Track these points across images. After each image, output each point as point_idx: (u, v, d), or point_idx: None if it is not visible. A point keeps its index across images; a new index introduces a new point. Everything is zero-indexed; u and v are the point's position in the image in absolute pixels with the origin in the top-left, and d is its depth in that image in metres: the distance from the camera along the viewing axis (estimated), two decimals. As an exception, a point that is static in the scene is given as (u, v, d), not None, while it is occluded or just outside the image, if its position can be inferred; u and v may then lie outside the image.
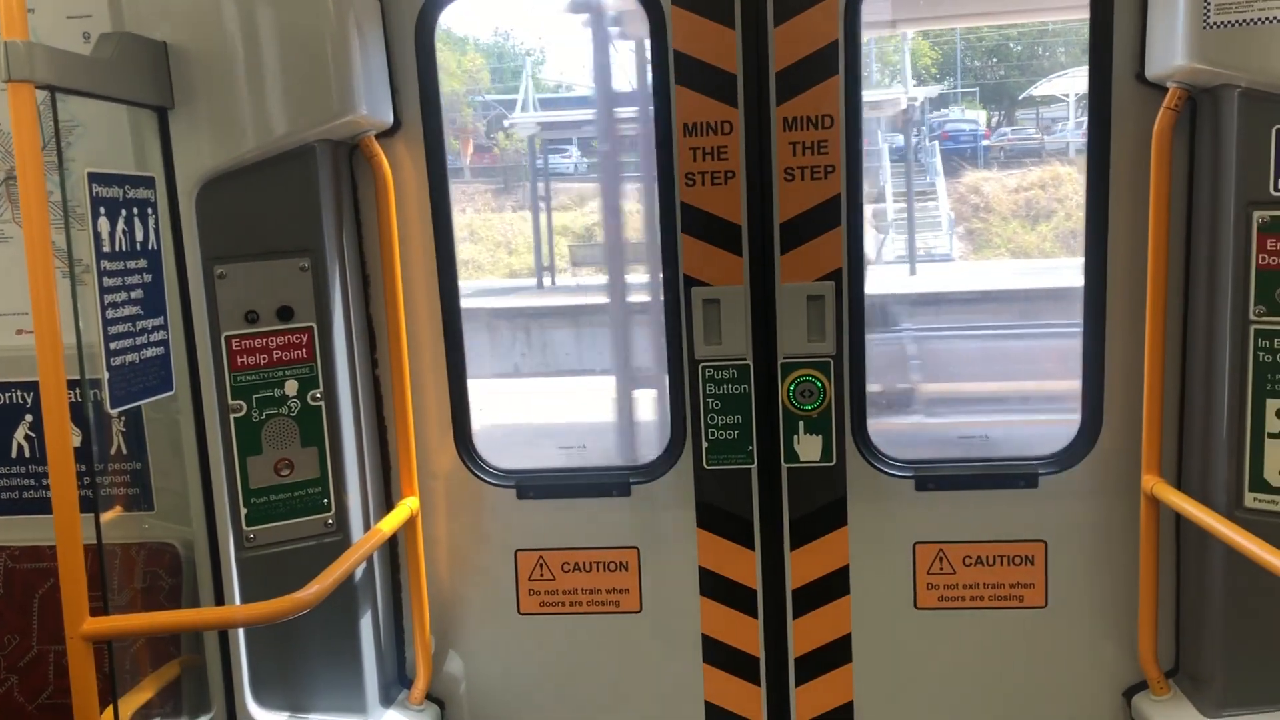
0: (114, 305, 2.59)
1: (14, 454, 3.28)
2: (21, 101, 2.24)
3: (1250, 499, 2.93)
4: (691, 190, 3.21)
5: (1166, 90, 2.96)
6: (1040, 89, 11.06)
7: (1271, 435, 2.87)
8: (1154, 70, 3.00)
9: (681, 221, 3.24)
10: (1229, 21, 2.71)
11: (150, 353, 2.75)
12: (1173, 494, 3.04)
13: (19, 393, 3.25)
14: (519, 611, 3.55)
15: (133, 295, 2.68)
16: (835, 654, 3.46)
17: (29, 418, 3.26)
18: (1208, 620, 3.11)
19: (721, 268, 3.24)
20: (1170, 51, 2.85)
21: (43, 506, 3.28)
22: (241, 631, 3.07)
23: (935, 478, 3.35)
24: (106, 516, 3.24)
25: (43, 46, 2.29)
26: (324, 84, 2.86)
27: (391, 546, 3.49)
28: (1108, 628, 3.37)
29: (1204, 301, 3.02)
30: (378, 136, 3.21)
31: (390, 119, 3.23)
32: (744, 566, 3.43)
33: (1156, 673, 3.23)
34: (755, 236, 3.23)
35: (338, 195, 3.15)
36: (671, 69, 3.16)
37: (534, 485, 3.49)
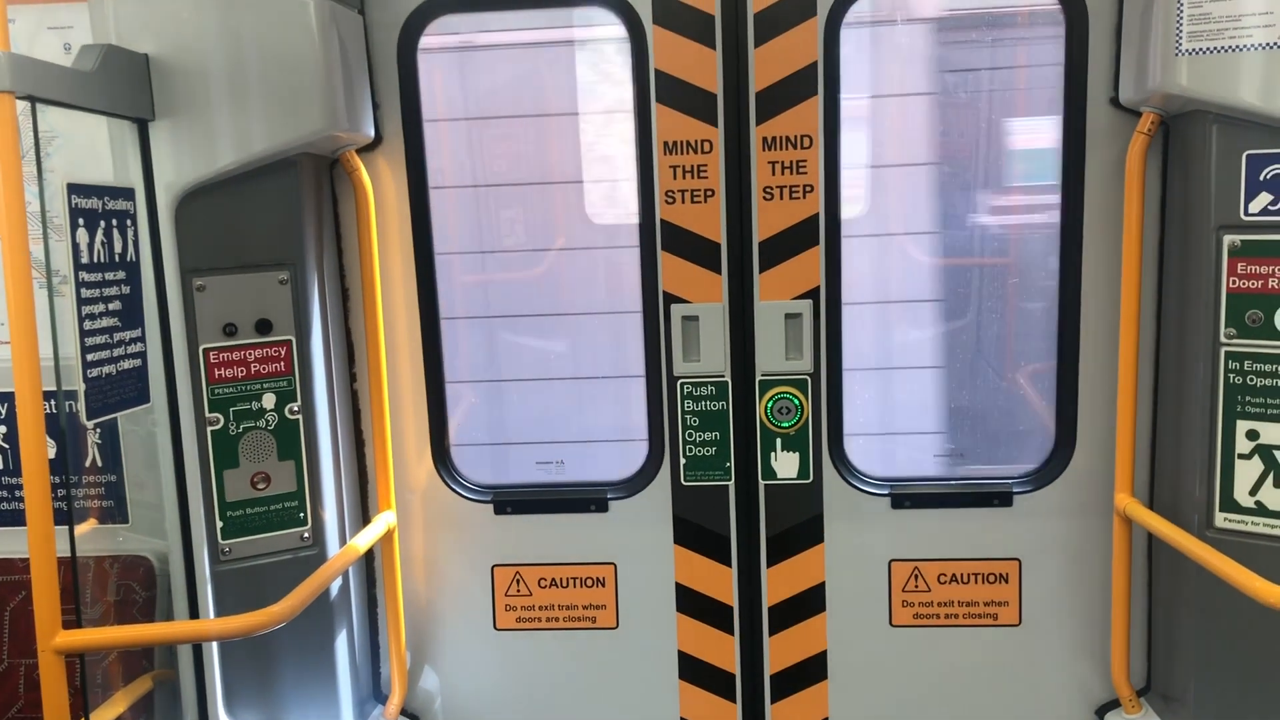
0: (91, 317, 2.58)
1: (-12, 465, 3.27)
2: (1, 111, 2.24)
3: (1221, 519, 2.96)
4: (671, 208, 3.23)
5: (1140, 115, 3.00)
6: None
7: (1242, 456, 2.91)
8: (1127, 95, 3.04)
9: (661, 239, 3.26)
10: (1201, 49, 2.75)
11: (127, 364, 2.74)
12: (1145, 513, 3.07)
13: (-7, 404, 3.24)
14: (495, 627, 3.54)
15: (110, 307, 2.67)
16: (811, 671, 3.47)
17: (3, 429, 3.25)
18: (1179, 639, 3.14)
19: (701, 285, 3.26)
20: (1143, 77, 2.89)
21: (16, 518, 3.25)
22: (216, 645, 3.05)
23: (911, 495, 3.37)
24: (81, 529, 3.22)
25: (23, 57, 2.29)
26: (305, 98, 2.86)
27: (368, 561, 3.48)
28: (1080, 646, 3.39)
29: (1175, 323, 3.06)
30: (359, 151, 3.21)
31: (371, 133, 3.23)
32: (721, 583, 3.44)
33: (1129, 691, 3.25)
34: (734, 254, 3.25)
35: (318, 209, 3.15)
36: (652, 87, 3.19)
37: (511, 500, 3.49)
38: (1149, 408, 3.22)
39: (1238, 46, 2.71)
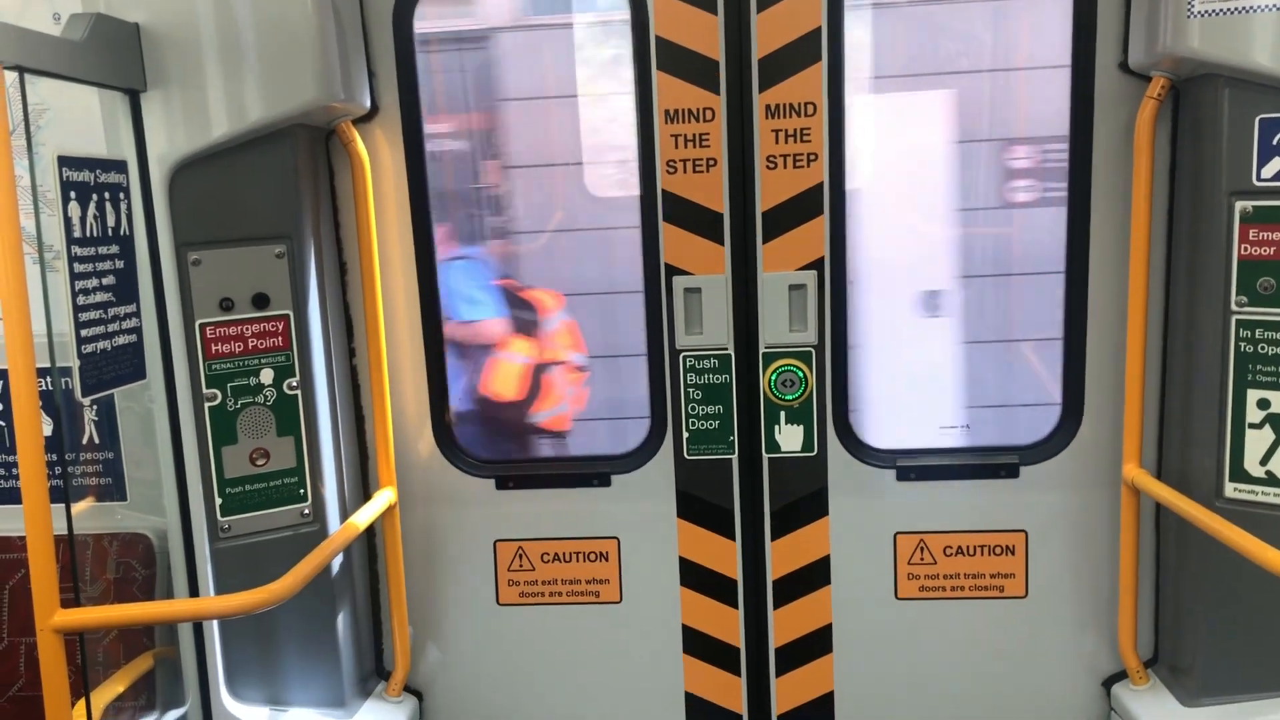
0: (85, 292, 2.54)
1: (-17, 443, 3.24)
2: (-12, 83, 2.19)
3: (1230, 489, 2.93)
4: (673, 178, 3.19)
5: (1149, 79, 2.95)
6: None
7: (1252, 425, 2.88)
8: (1137, 59, 2.99)
9: (663, 209, 3.22)
10: (1213, 10, 2.70)
11: (122, 340, 2.70)
12: (1153, 483, 3.04)
13: (-12, 381, 3.20)
14: (498, 602, 3.53)
15: (104, 282, 2.63)
16: (816, 644, 3.46)
17: (-1, 406, 3.22)
18: (1187, 610, 3.12)
19: (703, 256, 3.22)
20: (1154, 40, 2.84)
21: (12, 496, 3.23)
22: (216, 623, 3.03)
23: (916, 468, 3.34)
24: (78, 507, 3.20)
25: (11, 26, 2.24)
26: (299, 68, 2.81)
27: (369, 537, 3.46)
28: (1087, 617, 3.38)
29: (1185, 291, 3.02)
30: (355, 122, 3.16)
31: (367, 104, 3.18)
32: (725, 557, 3.42)
33: (1136, 662, 3.24)
34: (737, 225, 3.20)
35: (314, 181, 3.11)
36: (653, 55, 3.13)
37: (513, 475, 3.46)
38: (1157, 377, 3.18)
39: (1251, 8, 2.66)
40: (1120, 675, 3.34)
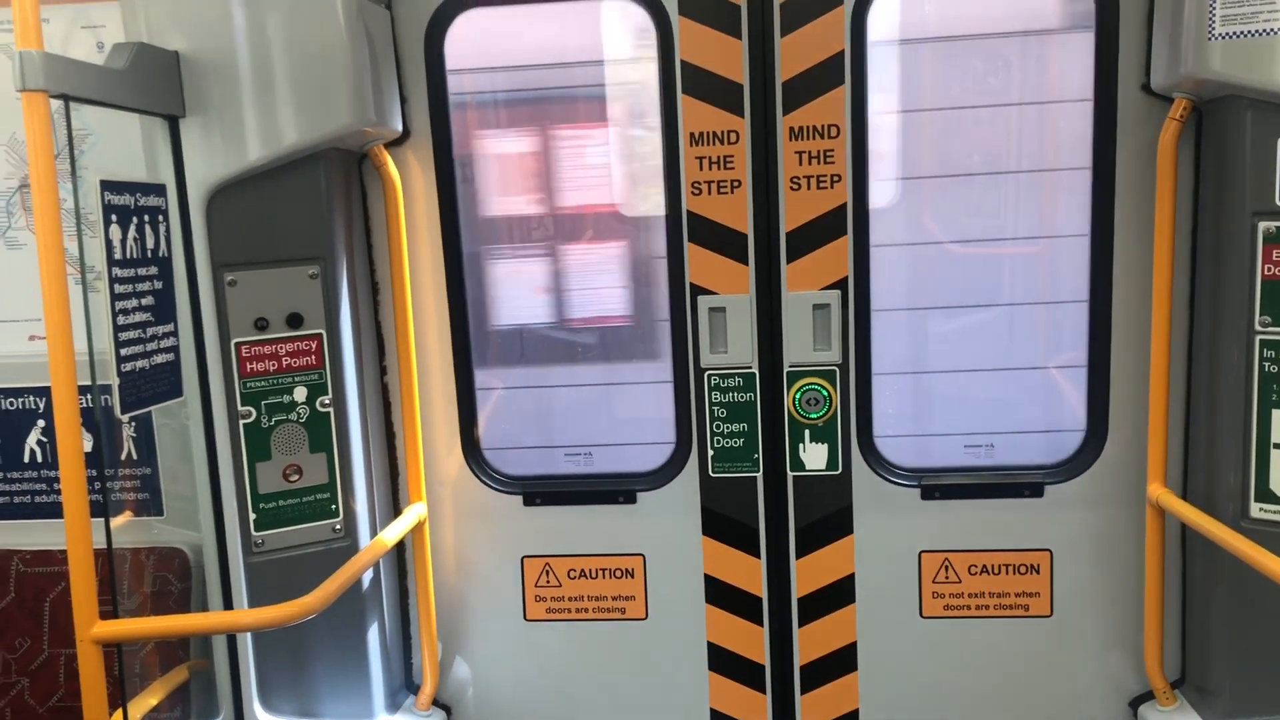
0: (125, 312, 2.62)
1: (26, 459, 3.32)
2: (35, 111, 2.27)
3: (1256, 509, 2.92)
4: (698, 199, 3.23)
5: (1172, 101, 2.97)
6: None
7: (1277, 446, 2.87)
8: (1159, 81, 3.00)
9: (688, 230, 3.26)
10: (1234, 33, 2.71)
11: (160, 359, 2.77)
12: (1178, 503, 3.04)
13: (31, 398, 3.29)
14: (525, 618, 3.56)
15: (143, 302, 2.70)
16: (841, 662, 3.47)
17: (41, 423, 3.30)
18: (1214, 630, 3.11)
19: (727, 276, 3.26)
20: (1175, 62, 2.85)
21: (54, 511, 3.31)
22: (249, 636, 3.09)
23: (941, 486, 3.35)
24: (116, 521, 3.27)
25: (57, 57, 2.31)
26: (334, 94, 2.88)
27: (399, 552, 3.51)
28: (1113, 637, 3.37)
29: (1209, 312, 3.03)
30: (387, 145, 3.23)
31: (399, 128, 3.25)
32: (750, 574, 3.44)
33: (1162, 683, 3.23)
34: (761, 245, 3.24)
35: (347, 203, 3.18)
36: (678, 79, 3.18)
37: (540, 492, 3.50)
38: (1182, 397, 3.18)
39: (1273, 30, 2.67)
40: (1147, 696, 3.33)
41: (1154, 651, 3.21)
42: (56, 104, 2.36)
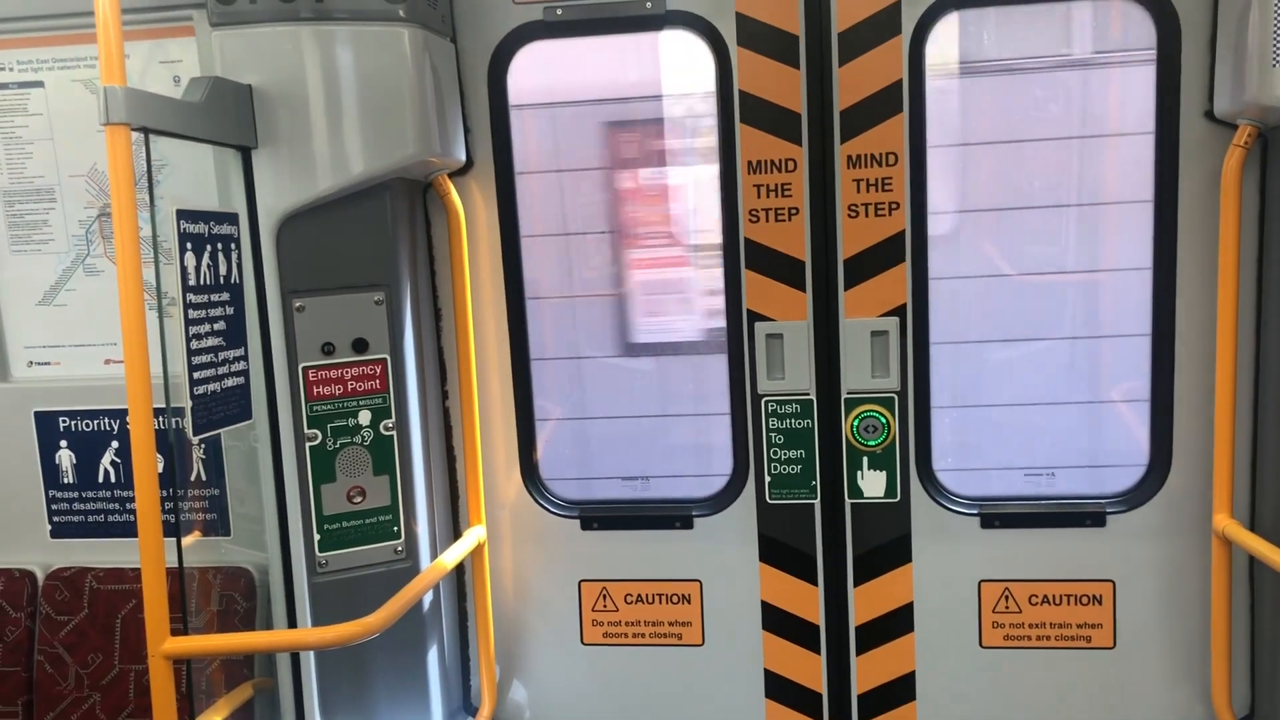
0: (198, 336, 2.69)
1: (101, 479, 3.41)
2: (117, 143, 2.36)
3: None
4: (755, 226, 3.25)
5: (1236, 128, 2.94)
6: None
7: (1347, 476, 2.82)
8: (1223, 107, 2.98)
9: (745, 257, 3.28)
10: (1299, 58, 2.69)
11: (231, 382, 2.85)
12: (1245, 535, 2.98)
13: (106, 420, 3.38)
14: (582, 642, 3.58)
15: (215, 327, 2.78)
16: (899, 691, 3.44)
17: (115, 444, 3.39)
18: None
19: (785, 303, 3.28)
20: (1239, 88, 2.83)
21: (127, 530, 3.40)
22: (313, 655, 3.14)
23: (1001, 515, 3.32)
24: (186, 541, 3.34)
25: (138, 91, 2.40)
26: (399, 125, 2.96)
27: (458, 574, 3.56)
28: (1179, 671, 3.31)
29: (1276, 339, 2.98)
30: (451, 175, 3.30)
31: (463, 158, 3.32)
32: (807, 602, 3.43)
33: (1230, 718, 3.16)
34: (819, 272, 3.25)
35: (411, 232, 3.25)
36: (736, 108, 3.22)
37: (598, 516, 3.53)
38: (1249, 426, 3.13)
39: (1339, 56, 2.65)
40: (1214, 731, 3.27)
41: (1221, 686, 3.15)
42: (136, 135, 2.44)
